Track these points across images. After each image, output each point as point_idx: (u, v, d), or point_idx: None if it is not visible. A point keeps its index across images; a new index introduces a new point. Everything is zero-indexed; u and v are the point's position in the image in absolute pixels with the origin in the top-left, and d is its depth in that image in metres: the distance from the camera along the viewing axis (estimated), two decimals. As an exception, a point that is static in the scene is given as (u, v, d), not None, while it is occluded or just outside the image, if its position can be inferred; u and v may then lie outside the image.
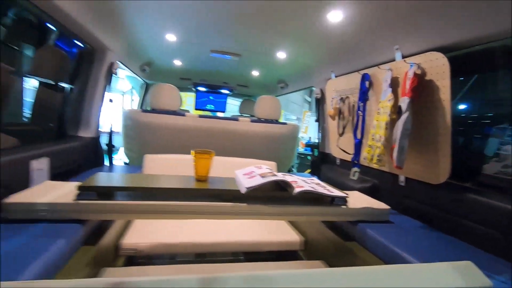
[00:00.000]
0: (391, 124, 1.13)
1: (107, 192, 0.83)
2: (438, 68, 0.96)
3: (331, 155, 1.84)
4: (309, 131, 6.28)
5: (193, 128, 1.88)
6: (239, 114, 3.25)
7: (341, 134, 1.57)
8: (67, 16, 1.10)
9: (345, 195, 0.97)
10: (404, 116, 1.02)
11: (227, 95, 3.19)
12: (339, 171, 1.67)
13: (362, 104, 1.35)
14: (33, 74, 1.31)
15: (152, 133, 1.82)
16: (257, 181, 0.91)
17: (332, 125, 1.74)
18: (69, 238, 0.70)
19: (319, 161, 1.95)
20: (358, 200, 1.05)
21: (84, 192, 0.80)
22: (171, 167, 1.46)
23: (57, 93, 1.42)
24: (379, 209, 1.00)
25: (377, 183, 1.36)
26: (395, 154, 1.03)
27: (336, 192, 0.96)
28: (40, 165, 1.02)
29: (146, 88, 2.97)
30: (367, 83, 1.33)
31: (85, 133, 1.53)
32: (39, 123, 1.33)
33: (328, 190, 0.97)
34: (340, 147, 1.59)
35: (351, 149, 1.47)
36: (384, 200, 1.06)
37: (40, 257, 0.59)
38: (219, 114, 3.25)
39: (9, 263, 0.55)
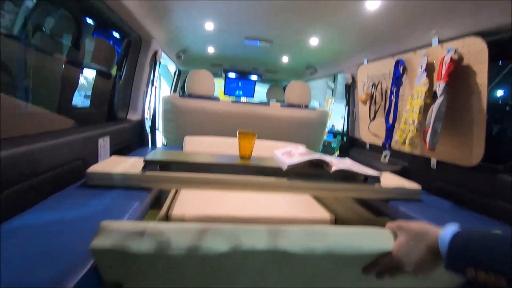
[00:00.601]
0: (425, 109, 1.16)
1: (168, 165, 0.95)
2: (476, 53, 0.99)
3: (360, 140, 1.89)
4: (332, 118, 6.21)
5: (226, 112, 1.99)
6: (266, 100, 3.33)
7: (372, 119, 1.61)
8: (122, 8, 1.22)
9: (379, 174, 1.04)
10: (439, 100, 1.05)
11: (255, 81, 3.27)
12: (369, 155, 1.72)
13: (395, 89, 1.39)
14: (89, 65, 1.46)
15: (189, 117, 1.95)
16: (298, 159, 1.00)
17: (363, 110, 1.78)
18: (141, 202, 0.83)
19: (348, 146, 2.00)
20: (389, 180, 1.12)
21: (149, 165, 0.93)
22: (209, 149, 1.59)
23: (109, 80, 1.57)
24: (411, 188, 1.06)
25: (407, 166, 1.40)
26: (428, 136, 1.08)
27: (370, 171, 1.03)
28: (104, 143, 1.17)
29: (178, 74, 3.11)
30: (401, 68, 1.36)
31: (133, 116, 1.68)
32: (96, 107, 1.48)
33: (361, 169, 1.04)
34: (371, 131, 1.63)
35: (382, 134, 1.51)
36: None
37: (124, 215, 0.72)
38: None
39: (102, 218, 0.68)
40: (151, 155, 0.99)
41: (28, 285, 0.42)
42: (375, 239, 0.54)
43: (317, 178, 1.02)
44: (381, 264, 0.53)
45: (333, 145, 5.04)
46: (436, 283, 0.63)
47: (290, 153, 1.11)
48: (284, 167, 0.98)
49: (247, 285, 0.55)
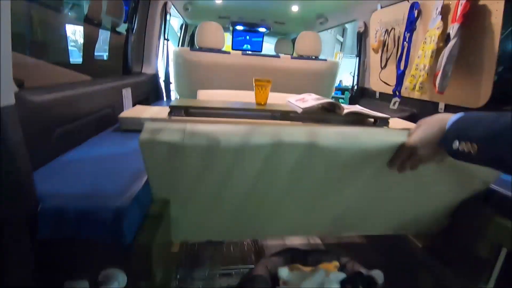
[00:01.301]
0: (437, 53, 1.18)
1: (193, 111, 1.03)
2: (494, -9, 0.98)
3: (370, 89, 1.91)
4: (340, 73, 6.03)
5: (237, 65, 2.00)
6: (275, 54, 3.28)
7: (383, 67, 1.63)
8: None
9: (388, 116, 1.10)
10: (451, 43, 1.07)
11: (263, 34, 3.19)
12: (378, 104, 1.76)
13: (408, 34, 1.38)
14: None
15: (200, 71, 1.98)
16: (312, 103, 1.06)
17: (374, 59, 1.78)
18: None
19: (357, 96, 2.03)
20: (398, 124, 1.18)
21: (174, 110, 1.01)
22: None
23: (122, 35, 1.59)
24: (417, 130, 1.12)
25: (415, 112, 1.46)
26: (438, 79, 1.11)
27: (379, 114, 1.10)
28: (127, 93, 1.24)
29: (185, 28, 3.04)
30: (415, 12, 1.34)
31: (148, 70, 1.72)
32: (113, 60, 1.52)
33: (371, 112, 1.10)
34: (382, 79, 1.66)
35: (392, 82, 1.54)
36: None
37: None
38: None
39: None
40: (176, 102, 1.06)
41: (101, 193, 0.52)
42: (398, 134, 0.60)
43: (330, 122, 1.09)
44: (401, 153, 0.59)
45: (340, 101, 5.02)
46: (458, 187, 0.71)
47: (303, 99, 1.17)
48: (299, 111, 1.04)
49: (286, 176, 0.61)
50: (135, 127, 0.97)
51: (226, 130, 0.54)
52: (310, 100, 1.12)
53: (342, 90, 5.27)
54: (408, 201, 0.76)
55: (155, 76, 1.80)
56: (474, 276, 0.78)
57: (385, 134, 0.60)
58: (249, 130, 0.54)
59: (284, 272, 0.84)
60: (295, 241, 1.30)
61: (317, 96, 1.20)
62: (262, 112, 1.10)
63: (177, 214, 0.67)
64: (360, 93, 2.04)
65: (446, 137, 0.52)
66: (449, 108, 1.26)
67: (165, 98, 1.93)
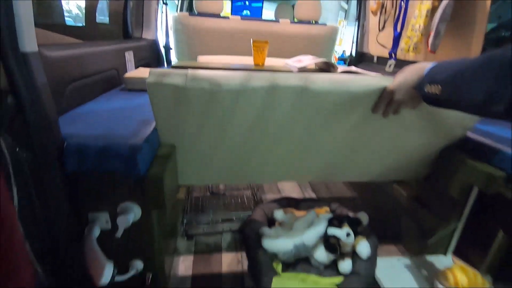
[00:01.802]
0: (432, 12, 1.20)
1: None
2: None
3: (368, 54, 1.93)
4: (343, 44, 5.84)
5: (236, 30, 2.00)
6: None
7: (381, 29, 1.64)
8: None
9: (379, 75, 1.14)
10: (445, 1, 1.09)
11: (263, -1, 3.11)
12: (376, 68, 1.79)
13: (406, -6, 1.38)
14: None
15: (200, 36, 1.98)
16: (307, 62, 1.10)
17: (373, 22, 1.78)
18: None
19: (356, 60, 2.05)
20: (390, 83, 1.23)
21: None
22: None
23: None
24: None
25: (410, 74, 1.49)
26: (431, 39, 1.15)
27: (372, 74, 1.14)
28: (130, 57, 1.29)
29: (183, -7, 2.97)
30: (414, -30, 1.33)
31: (147, 35, 1.74)
32: (114, 24, 1.54)
33: (365, 72, 1.15)
34: (379, 42, 1.67)
35: (389, 44, 1.56)
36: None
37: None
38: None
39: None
40: (178, 63, 1.11)
41: (117, 134, 0.60)
42: (383, 79, 0.66)
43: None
44: (383, 97, 0.65)
45: (342, 68, 4.95)
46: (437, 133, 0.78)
47: (300, 60, 1.21)
48: (295, 70, 1.09)
49: (281, 119, 0.68)
50: (139, 86, 1.03)
51: (226, 74, 0.59)
52: (305, 60, 1.16)
53: (345, 60, 5.18)
54: (392, 148, 0.83)
55: (155, 42, 1.81)
56: (449, 216, 0.88)
57: (371, 80, 0.66)
58: (247, 75, 0.60)
59: (279, 214, 0.94)
60: (291, 194, 1.41)
61: (313, 57, 1.24)
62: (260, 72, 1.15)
63: (182, 159, 0.75)
64: (358, 58, 2.05)
65: (421, 82, 0.58)
66: (441, 69, 1.29)
67: (165, 65, 1.96)
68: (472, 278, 0.77)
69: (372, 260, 0.81)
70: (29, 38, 0.47)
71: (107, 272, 0.54)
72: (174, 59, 2.27)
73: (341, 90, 0.64)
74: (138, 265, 0.73)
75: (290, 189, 1.42)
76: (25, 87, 0.47)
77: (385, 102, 0.66)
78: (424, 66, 0.60)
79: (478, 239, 0.88)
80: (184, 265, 0.92)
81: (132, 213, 0.66)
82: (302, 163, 0.84)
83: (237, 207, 1.19)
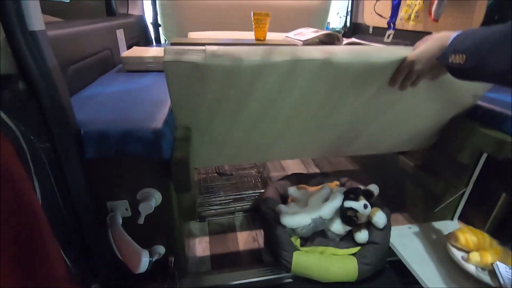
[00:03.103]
0: (433, -22, 1.17)
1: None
2: None
3: (363, 24, 1.89)
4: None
5: (227, 4, 1.91)
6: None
7: (378, -2, 1.59)
8: None
9: (384, 47, 1.13)
10: (450, -34, 1.06)
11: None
12: (372, 39, 1.77)
13: (406, -40, 1.34)
14: None
15: (188, 11, 1.88)
16: (311, 35, 1.07)
17: (368, -9, 1.73)
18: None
19: (350, 32, 2.01)
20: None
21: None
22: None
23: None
24: (411, 59, 1.17)
25: (409, 44, 1.48)
26: (434, 7, 1.13)
27: (376, 45, 1.12)
28: (121, 35, 1.20)
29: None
30: None
31: (134, 11, 1.63)
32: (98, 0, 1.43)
33: (368, 43, 1.13)
34: (376, 12, 1.64)
35: (387, 14, 1.53)
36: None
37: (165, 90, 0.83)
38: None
39: (159, 88, 0.80)
40: (176, 39, 1.05)
41: (136, 117, 0.57)
42: (403, 49, 0.64)
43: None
44: (402, 67, 0.62)
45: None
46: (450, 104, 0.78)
47: (301, 33, 1.17)
48: (300, 44, 1.06)
49: (299, 94, 0.66)
50: (138, 67, 0.97)
51: (247, 49, 0.57)
52: (308, 33, 1.12)
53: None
54: (404, 119, 0.83)
55: (142, 18, 1.70)
56: (457, 182, 0.91)
57: (391, 50, 0.64)
58: (268, 49, 0.57)
59: (293, 191, 0.95)
60: (295, 170, 1.42)
61: (314, 29, 1.20)
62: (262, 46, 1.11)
63: (196, 141, 0.72)
64: (353, 29, 2.02)
65: (445, 51, 0.57)
66: (441, 37, 1.29)
67: (154, 42, 1.86)
68: (480, 237, 0.81)
69: (387, 229, 0.84)
70: (36, 16, 0.42)
71: (144, 260, 0.53)
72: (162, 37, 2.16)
73: (363, 61, 0.62)
74: (160, 249, 0.72)
75: (294, 166, 1.42)
76: (37, 70, 0.43)
77: (404, 73, 0.64)
78: (447, 35, 0.58)
79: (482, 203, 0.92)
80: (201, 247, 0.92)
81: (154, 199, 0.64)
82: (315, 139, 0.83)
83: (246, 186, 1.19)
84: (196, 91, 0.60)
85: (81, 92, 0.75)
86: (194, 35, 1.70)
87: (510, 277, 0.68)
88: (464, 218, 0.96)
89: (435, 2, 1.12)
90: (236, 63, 0.56)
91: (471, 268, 0.76)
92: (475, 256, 0.76)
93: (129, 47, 1.34)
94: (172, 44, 1.00)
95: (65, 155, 0.49)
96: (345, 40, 1.08)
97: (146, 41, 1.74)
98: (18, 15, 0.40)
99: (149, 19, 1.80)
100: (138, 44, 1.57)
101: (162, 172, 0.62)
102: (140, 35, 1.63)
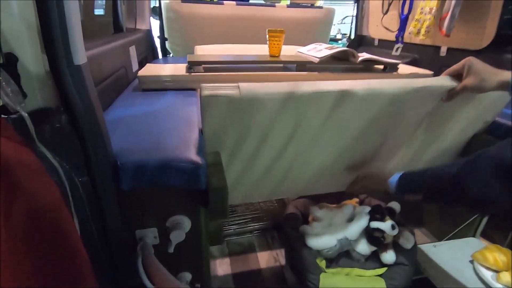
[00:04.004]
0: (444, -6, 1.19)
1: (209, 66, 1.02)
2: None
3: (368, 37, 1.91)
4: None
5: (231, 16, 1.92)
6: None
7: (385, 12, 1.62)
8: None
9: (398, 62, 1.14)
10: (461, -17, 1.08)
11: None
12: (378, 51, 1.79)
13: (413, -24, 1.36)
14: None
15: (193, 24, 1.88)
16: (326, 52, 1.07)
17: (373, 4, 1.75)
18: (196, 99, 0.92)
19: (355, 44, 2.03)
20: (404, 69, 1.22)
21: (193, 66, 0.99)
22: (223, 56, 1.61)
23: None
24: (423, 73, 1.18)
25: (417, 57, 1.50)
26: (446, 22, 1.14)
27: (390, 60, 1.13)
28: (133, 52, 1.19)
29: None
30: (422, -49, 1.31)
31: (142, 25, 1.62)
32: (109, 16, 1.42)
33: (383, 59, 1.13)
34: (383, 25, 1.66)
35: (393, 27, 1.55)
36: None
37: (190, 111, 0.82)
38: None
39: (179, 109, 0.78)
40: (193, 57, 1.04)
41: (170, 147, 0.55)
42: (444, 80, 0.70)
43: (344, 70, 1.12)
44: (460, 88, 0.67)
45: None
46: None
47: (315, 49, 1.17)
48: (316, 61, 1.06)
49: (319, 129, 0.69)
50: (155, 86, 0.96)
51: (276, 85, 0.61)
52: (323, 49, 1.13)
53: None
54: (432, 141, 0.84)
55: (150, 33, 1.70)
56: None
57: (433, 81, 0.68)
58: (295, 84, 0.61)
59: (315, 210, 0.93)
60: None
61: (328, 45, 1.20)
62: (278, 64, 1.11)
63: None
64: (357, 41, 2.04)
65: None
66: (451, 51, 1.31)
67: (160, 56, 1.85)
68: (509, 256, 0.80)
69: (414, 249, 0.83)
70: (81, 50, 0.41)
71: None
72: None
73: (384, 95, 0.64)
74: (187, 276, 0.70)
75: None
76: (81, 103, 0.41)
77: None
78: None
79: (502, 219, 0.92)
80: (222, 269, 0.90)
81: (184, 227, 0.62)
82: (332, 175, 0.84)
83: (260, 205, 1.17)
84: (227, 123, 0.63)
85: (105, 115, 0.73)
86: (200, 49, 1.70)
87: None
88: (484, 234, 0.96)
89: (447, 17, 1.14)
90: (267, 96, 0.60)
91: (499, 287, 0.76)
92: (505, 276, 0.76)
93: (139, 63, 1.33)
94: (190, 63, 0.99)
95: (102, 188, 0.48)
96: (361, 56, 1.08)
97: (153, 56, 1.73)
98: (66, 50, 0.39)
99: (155, 33, 1.80)
100: (146, 59, 1.56)
101: (194, 199, 0.61)
102: (147, 50, 1.62)
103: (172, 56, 2.16)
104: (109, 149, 0.48)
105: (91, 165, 0.45)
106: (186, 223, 0.63)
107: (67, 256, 0.41)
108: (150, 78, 0.95)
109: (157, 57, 1.82)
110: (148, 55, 1.63)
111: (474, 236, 0.94)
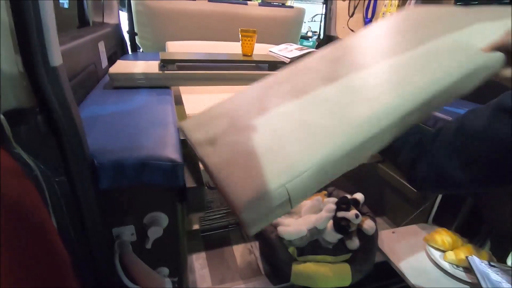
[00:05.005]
0: (403, 1, 1.29)
1: (182, 64, 1.02)
2: None
3: (336, 37, 2.01)
4: None
5: (203, 13, 1.91)
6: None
7: (351, 15, 1.71)
8: None
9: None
10: (417, -8, 1.18)
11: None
12: (344, 52, 1.88)
13: (376, -18, 1.45)
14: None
15: (163, 19, 1.85)
16: (297, 52, 1.12)
17: (341, 6, 1.84)
18: (170, 97, 0.92)
19: (324, 44, 2.12)
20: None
21: (166, 64, 0.99)
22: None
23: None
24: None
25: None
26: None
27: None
28: (102, 47, 1.16)
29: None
30: (383, -41, 1.40)
31: (110, 19, 1.57)
32: (73, 8, 1.36)
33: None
34: (349, 28, 1.75)
35: (358, 29, 1.65)
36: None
37: (167, 105, 0.83)
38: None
39: (153, 109, 0.79)
40: (166, 55, 1.04)
41: (149, 147, 0.57)
42: None
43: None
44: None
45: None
46: None
47: (286, 49, 1.22)
48: (287, 61, 1.11)
49: None
50: (127, 83, 0.95)
51: None
52: (294, 50, 1.18)
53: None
54: None
55: (119, 27, 1.65)
56: None
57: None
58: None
59: (287, 203, 0.98)
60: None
61: (298, 46, 1.26)
62: (251, 63, 1.14)
63: None
64: (326, 41, 2.12)
65: None
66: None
67: (130, 51, 1.80)
68: (454, 238, 0.92)
69: (375, 235, 0.91)
70: (57, 52, 0.41)
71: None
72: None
73: None
74: (164, 271, 0.72)
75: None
76: (57, 104, 0.42)
77: None
78: None
79: (451, 206, 1.04)
80: (198, 263, 0.93)
81: (161, 223, 0.64)
82: None
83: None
84: None
85: None
86: (172, 46, 1.68)
87: (483, 268, 0.78)
88: (436, 220, 1.08)
89: (405, 24, 1.24)
90: None
91: (447, 265, 0.86)
92: (451, 255, 0.86)
93: (108, 58, 1.30)
94: (163, 61, 0.99)
95: (80, 188, 0.48)
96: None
97: (122, 51, 1.68)
98: (42, 51, 0.39)
99: (124, 27, 1.75)
100: (116, 54, 1.51)
101: (171, 196, 0.62)
102: (117, 45, 1.57)
103: (142, 51, 2.10)
104: (86, 149, 0.49)
105: (68, 165, 0.46)
106: (164, 219, 0.65)
107: (47, 256, 0.42)
108: (122, 76, 0.94)
109: (126, 52, 1.76)
110: (118, 50, 1.58)
111: (426, 222, 1.05)
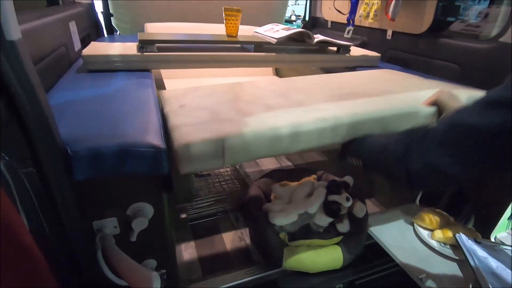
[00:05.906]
0: (390, -20, 1.26)
1: (162, 45, 0.96)
2: None
3: (322, 18, 1.96)
4: None
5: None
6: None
7: (337, -5, 1.66)
8: None
9: (350, 44, 1.19)
10: (405, -30, 1.15)
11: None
12: (331, 33, 1.84)
13: (363, -41, 1.41)
14: None
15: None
16: (284, 32, 1.08)
17: (326, -14, 1.79)
18: (151, 81, 0.87)
19: (310, 26, 2.07)
20: (355, 51, 1.29)
21: (145, 44, 0.92)
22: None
23: None
24: (372, 56, 1.25)
25: (366, 40, 1.58)
26: (391, 7, 1.22)
27: (344, 42, 1.18)
28: (73, 28, 1.07)
29: None
30: None
31: (81, -2, 1.45)
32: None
33: (338, 41, 1.18)
34: (336, 8, 1.71)
35: (345, 10, 1.61)
36: (373, 53, 1.32)
37: (147, 89, 0.77)
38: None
39: (131, 94, 0.73)
40: (145, 35, 0.97)
41: (129, 133, 0.52)
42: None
43: (300, 52, 1.14)
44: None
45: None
46: None
47: (272, 30, 1.17)
48: (273, 41, 1.06)
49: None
50: (103, 66, 0.88)
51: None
52: (280, 30, 1.13)
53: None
54: None
55: (92, 7, 1.53)
56: None
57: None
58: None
59: (277, 188, 0.97)
60: (269, 166, 1.45)
61: (285, 26, 1.21)
62: (236, 44, 1.09)
63: None
64: (312, 23, 2.08)
65: None
66: (396, 35, 1.40)
67: (105, 34, 1.69)
68: (441, 217, 0.93)
69: (365, 217, 0.91)
70: (14, 24, 0.36)
71: (156, 283, 0.50)
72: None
73: None
74: (152, 263, 0.69)
75: (267, 161, 1.45)
76: (19, 85, 0.37)
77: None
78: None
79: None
80: (188, 253, 0.90)
81: (146, 214, 0.61)
82: None
83: (224, 186, 1.18)
84: None
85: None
86: (151, 27, 1.58)
87: (470, 245, 0.80)
88: (422, 200, 1.09)
89: (392, 3, 1.21)
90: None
91: (435, 244, 0.88)
92: (438, 233, 0.88)
93: (81, 41, 1.20)
94: (141, 41, 0.92)
95: (52, 180, 0.44)
96: (317, 38, 1.11)
97: (97, 33, 1.57)
98: None
99: (98, 7, 1.63)
100: (90, 37, 1.41)
101: (155, 185, 0.59)
102: (90, 26, 1.47)
103: (119, 34, 1.98)
104: (57, 136, 0.44)
105: (37, 155, 0.41)
106: (149, 209, 0.61)
107: (18, 256, 0.38)
108: (96, 58, 0.87)
109: (102, 35, 1.65)
110: (92, 32, 1.47)
111: (414, 202, 1.07)
